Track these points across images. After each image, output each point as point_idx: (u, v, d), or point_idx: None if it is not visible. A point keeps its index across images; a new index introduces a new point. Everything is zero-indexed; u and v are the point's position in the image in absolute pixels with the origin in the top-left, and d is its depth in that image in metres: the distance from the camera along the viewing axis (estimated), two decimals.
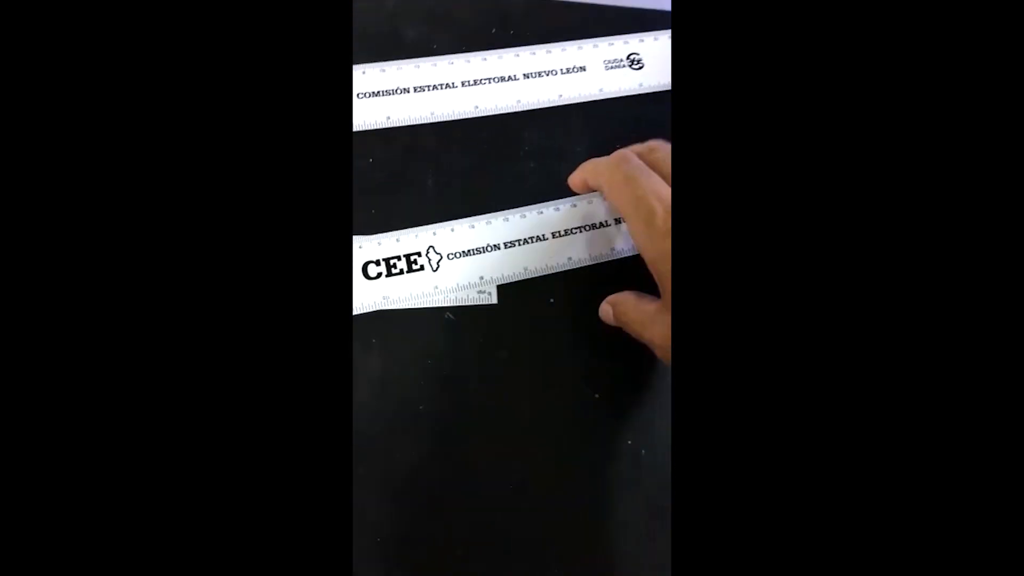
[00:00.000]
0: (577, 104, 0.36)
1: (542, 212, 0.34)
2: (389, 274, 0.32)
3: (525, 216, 0.34)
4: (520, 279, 0.33)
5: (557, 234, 0.33)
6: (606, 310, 0.31)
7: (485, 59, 0.37)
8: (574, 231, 0.34)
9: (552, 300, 0.33)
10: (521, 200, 0.34)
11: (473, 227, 0.33)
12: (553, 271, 0.33)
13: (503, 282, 0.33)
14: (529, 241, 0.33)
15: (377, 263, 0.32)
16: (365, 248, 0.32)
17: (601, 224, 0.34)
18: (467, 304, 0.32)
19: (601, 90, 0.37)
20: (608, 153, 0.32)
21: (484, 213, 0.34)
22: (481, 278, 0.33)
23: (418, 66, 0.36)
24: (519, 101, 0.36)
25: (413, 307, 0.32)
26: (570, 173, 0.33)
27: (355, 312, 0.32)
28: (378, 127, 0.35)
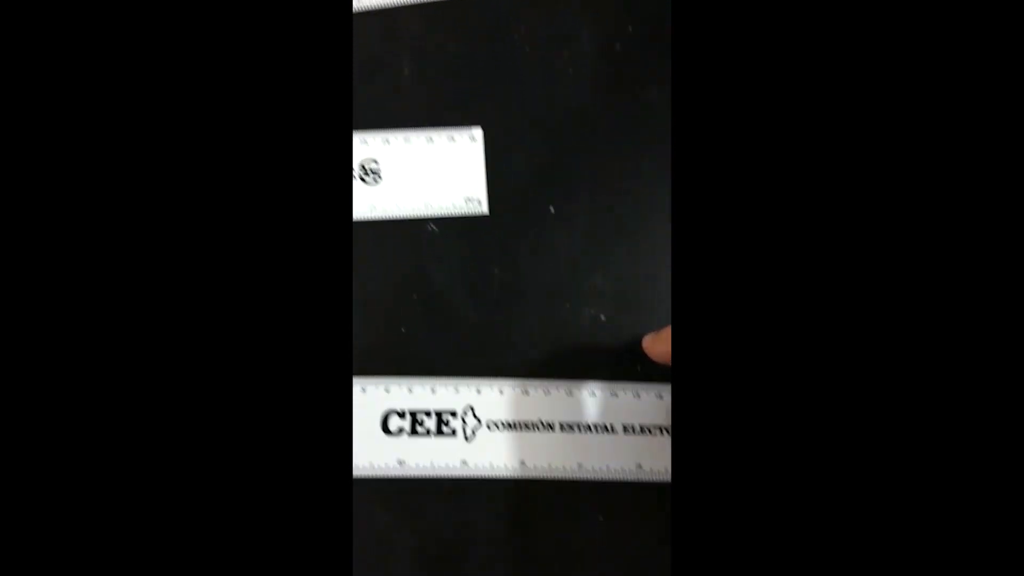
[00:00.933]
0: None
1: (616, 395, 0.26)
2: (413, 432, 0.26)
3: (595, 394, 0.26)
4: (571, 478, 0.26)
5: (630, 429, 0.26)
6: (661, 352, 0.24)
7: None
8: (653, 431, 0.26)
9: (552, 209, 0.28)
10: (514, 98, 0.29)
11: (527, 393, 0.26)
12: (616, 478, 0.25)
13: (551, 476, 0.26)
14: (593, 430, 0.26)
15: (402, 415, 0.26)
16: (393, 393, 0.26)
17: None
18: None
19: None
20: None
21: (472, 104, 0.28)
22: (522, 463, 0.26)
23: None
24: None
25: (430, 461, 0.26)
26: (572, 63, 0.28)
27: (360, 473, 0.26)
28: None
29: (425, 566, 0.25)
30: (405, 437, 0.26)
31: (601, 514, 0.25)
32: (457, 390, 0.26)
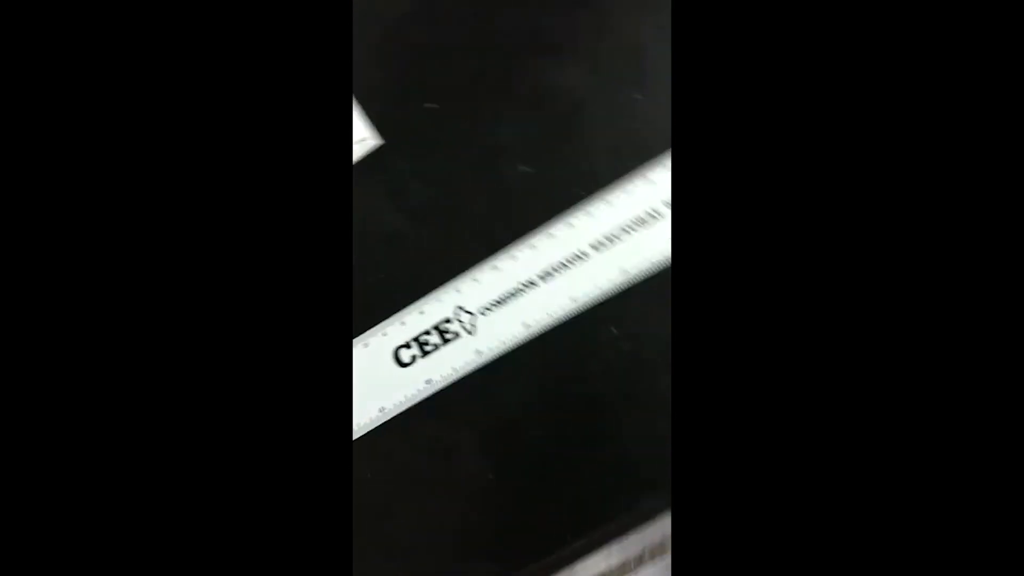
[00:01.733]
0: None
1: (572, 224, 0.27)
2: (424, 354, 0.28)
3: (553, 235, 0.27)
4: (574, 313, 0.27)
5: (601, 244, 0.26)
6: None
7: None
8: (620, 236, 0.26)
9: (436, 104, 0.28)
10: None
11: (497, 268, 0.27)
12: (611, 294, 0.26)
13: (554, 323, 0.27)
14: (568, 264, 0.27)
15: (408, 345, 0.28)
16: (391, 334, 0.28)
17: (654, 214, 0.26)
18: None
19: None
20: None
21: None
22: (526, 325, 0.27)
23: None
24: None
25: (458, 375, 0.28)
26: None
27: (399, 409, 0.28)
28: None
29: (492, 443, 0.27)
30: (420, 361, 0.28)
31: (613, 326, 0.26)
32: (440, 299, 0.28)
